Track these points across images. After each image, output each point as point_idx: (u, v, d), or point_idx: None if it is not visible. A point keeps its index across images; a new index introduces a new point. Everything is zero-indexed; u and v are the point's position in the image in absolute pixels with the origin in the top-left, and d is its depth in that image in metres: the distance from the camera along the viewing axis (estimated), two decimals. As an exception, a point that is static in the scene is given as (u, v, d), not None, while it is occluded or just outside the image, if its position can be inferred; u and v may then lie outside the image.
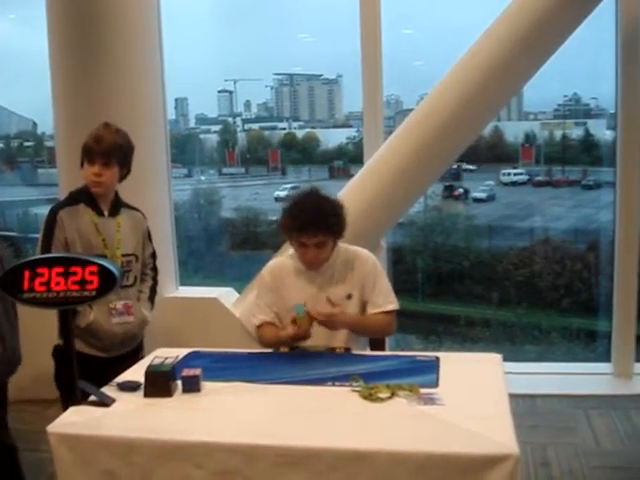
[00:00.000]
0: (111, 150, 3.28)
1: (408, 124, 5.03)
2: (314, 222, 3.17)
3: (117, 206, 3.45)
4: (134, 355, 3.47)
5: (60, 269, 2.69)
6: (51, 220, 3.30)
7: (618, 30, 4.98)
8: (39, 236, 3.34)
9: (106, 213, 3.39)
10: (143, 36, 4.93)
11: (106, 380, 2.92)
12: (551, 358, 7.28)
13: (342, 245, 3.38)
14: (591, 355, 7.26)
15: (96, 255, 3.13)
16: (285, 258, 3.46)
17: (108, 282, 2.73)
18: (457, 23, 7.30)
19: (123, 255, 3.40)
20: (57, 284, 2.68)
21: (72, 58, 4.77)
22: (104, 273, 2.72)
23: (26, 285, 2.68)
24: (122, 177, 3.41)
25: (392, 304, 3.36)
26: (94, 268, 2.70)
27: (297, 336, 3.19)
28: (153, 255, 3.66)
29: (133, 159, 3.43)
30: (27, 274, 2.68)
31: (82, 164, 3.34)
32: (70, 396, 2.73)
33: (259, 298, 3.46)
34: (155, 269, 3.68)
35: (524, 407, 4.74)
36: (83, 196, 3.36)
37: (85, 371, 2.81)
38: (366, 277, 3.34)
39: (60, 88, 4.86)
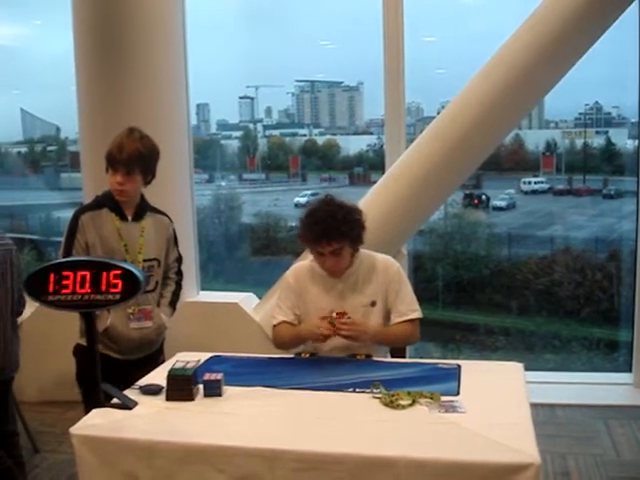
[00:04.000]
0: (133, 159, 3.27)
1: (430, 132, 5.03)
2: (327, 231, 3.17)
3: (142, 210, 3.44)
4: (153, 359, 3.47)
5: (85, 272, 2.71)
6: (73, 224, 3.32)
7: (642, 39, 4.96)
8: (62, 239, 3.36)
9: (130, 218, 3.39)
10: (168, 42, 4.96)
11: (122, 382, 2.93)
12: (571, 368, 7.24)
13: (365, 252, 3.38)
14: (610, 365, 7.22)
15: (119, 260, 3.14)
16: (309, 262, 3.45)
17: (132, 286, 2.74)
18: (480, 31, 7.30)
19: (145, 260, 3.39)
20: (82, 287, 2.70)
21: (97, 63, 4.81)
22: (129, 277, 2.73)
23: (51, 288, 2.70)
24: (147, 182, 3.41)
25: (416, 312, 3.35)
26: (119, 272, 2.72)
27: (321, 330, 3.19)
28: (178, 260, 3.65)
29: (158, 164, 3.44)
30: (52, 277, 2.71)
31: (107, 169, 3.34)
32: (93, 398, 2.75)
33: (281, 300, 3.46)
34: (180, 273, 3.66)
35: (544, 416, 4.72)
36: (107, 201, 3.36)
37: (102, 371, 2.82)
38: (390, 284, 3.34)
39: (85, 93, 4.90)
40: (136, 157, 3.28)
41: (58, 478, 4.14)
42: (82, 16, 4.81)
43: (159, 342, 3.60)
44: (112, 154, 3.29)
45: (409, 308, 3.34)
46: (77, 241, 3.29)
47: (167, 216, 3.59)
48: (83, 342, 3.14)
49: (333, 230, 3.17)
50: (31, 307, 4.62)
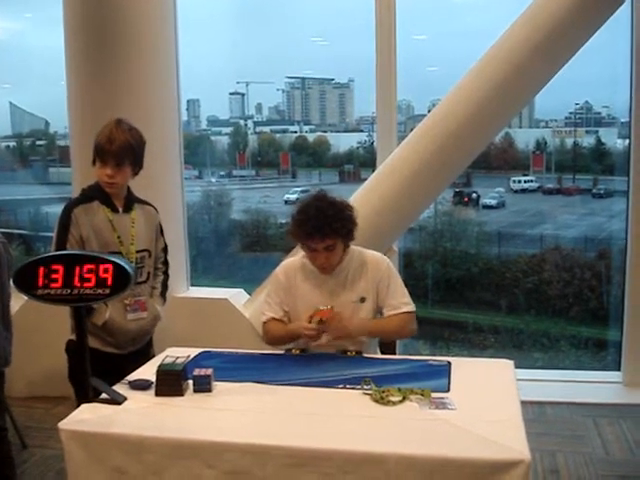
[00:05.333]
0: (123, 151, 3.25)
1: (421, 129, 5.02)
2: (319, 228, 3.16)
3: (130, 202, 3.44)
4: (145, 352, 3.49)
5: (75, 267, 2.70)
6: (66, 218, 3.28)
7: (633, 38, 4.96)
8: (53, 234, 3.33)
9: (120, 209, 3.38)
10: (159, 37, 4.94)
11: (119, 376, 2.93)
12: (559, 366, 7.26)
13: (356, 248, 3.38)
14: (599, 364, 7.24)
15: (111, 252, 3.13)
16: (299, 258, 3.45)
17: (122, 280, 2.74)
18: (471, 29, 7.31)
19: (137, 251, 3.39)
20: (71, 281, 2.69)
21: (88, 58, 4.78)
22: (118, 271, 2.73)
23: (41, 282, 2.69)
24: (135, 173, 3.39)
25: (408, 306, 3.36)
26: (108, 266, 2.71)
27: (307, 331, 3.19)
28: (164, 249, 3.64)
29: (146, 159, 3.41)
30: (42, 271, 2.69)
31: (94, 161, 3.31)
32: (84, 393, 2.74)
33: (270, 297, 3.45)
34: (166, 262, 3.66)
35: (533, 414, 4.73)
36: (97, 193, 3.34)
37: (99, 368, 2.82)
38: (381, 280, 3.34)
39: (75, 88, 4.87)
40: (127, 149, 3.26)
41: (47, 473, 4.12)
42: (73, 10, 4.79)
43: (152, 333, 3.60)
44: (101, 146, 3.26)
45: (401, 302, 3.35)
46: (71, 235, 3.26)
47: (153, 206, 3.59)
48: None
49: (325, 226, 3.16)
50: (20, 301, 4.60)
